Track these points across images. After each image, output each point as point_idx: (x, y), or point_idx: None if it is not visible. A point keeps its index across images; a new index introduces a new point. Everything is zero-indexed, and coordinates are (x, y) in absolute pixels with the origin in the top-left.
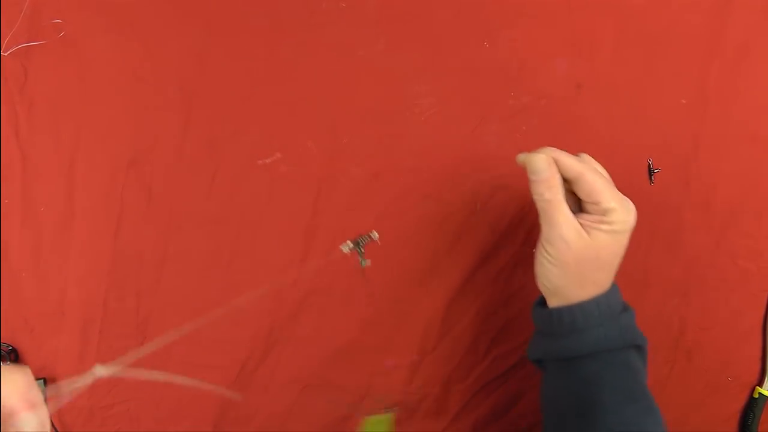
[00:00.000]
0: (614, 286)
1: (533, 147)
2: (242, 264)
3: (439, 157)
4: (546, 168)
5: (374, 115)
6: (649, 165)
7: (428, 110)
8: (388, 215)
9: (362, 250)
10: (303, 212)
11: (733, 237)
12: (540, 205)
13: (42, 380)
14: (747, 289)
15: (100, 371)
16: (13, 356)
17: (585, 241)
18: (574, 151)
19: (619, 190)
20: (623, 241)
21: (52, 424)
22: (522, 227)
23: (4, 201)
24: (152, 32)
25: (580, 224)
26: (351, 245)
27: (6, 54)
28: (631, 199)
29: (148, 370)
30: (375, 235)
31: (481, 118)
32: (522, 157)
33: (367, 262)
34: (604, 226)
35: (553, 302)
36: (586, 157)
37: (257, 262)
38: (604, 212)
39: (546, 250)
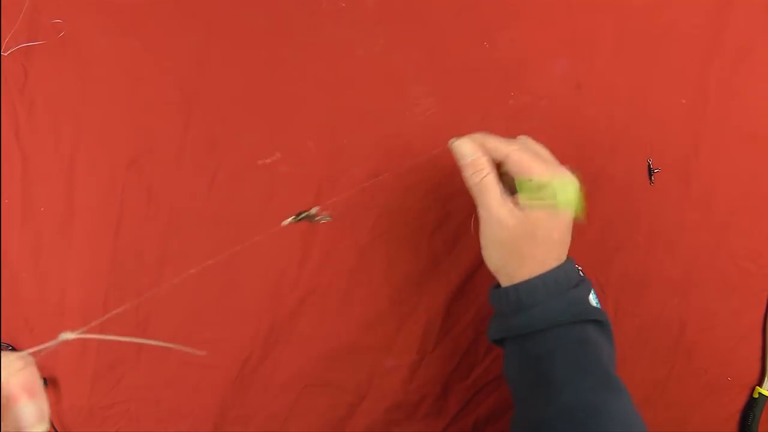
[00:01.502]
0: (568, 261)
1: None
2: (242, 264)
3: (439, 157)
4: (471, 152)
5: (374, 115)
6: (649, 165)
7: (428, 110)
8: (388, 215)
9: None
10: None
11: (733, 237)
12: (471, 188)
13: (42, 380)
14: (747, 289)
15: (67, 336)
16: None
17: (518, 219)
18: (574, 151)
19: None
20: (562, 214)
21: (51, 424)
22: None
23: (4, 201)
24: (152, 32)
25: (515, 203)
26: (293, 219)
27: (6, 54)
28: (630, 199)
29: (116, 335)
30: (313, 210)
31: (481, 118)
32: (450, 142)
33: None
34: (536, 202)
35: (502, 281)
36: (523, 138)
37: (257, 262)
38: (538, 188)
39: (483, 232)
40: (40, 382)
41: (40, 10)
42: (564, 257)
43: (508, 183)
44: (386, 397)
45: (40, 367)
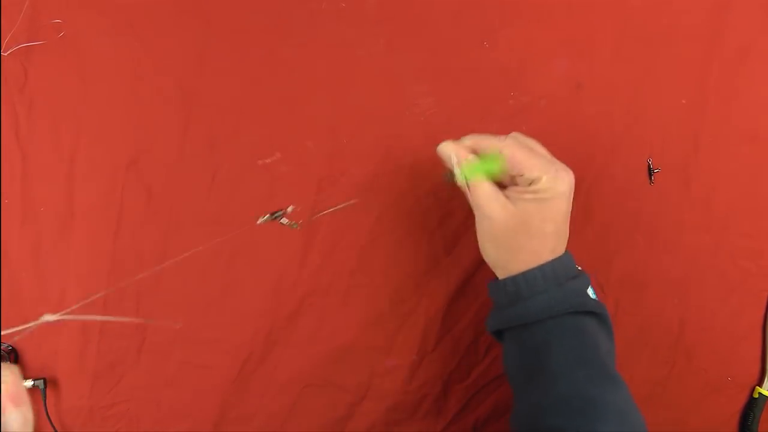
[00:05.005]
0: (566, 254)
1: None
2: (242, 264)
3: (439, 157)
4: (453, 154)
5: (374, 115)
6: (649, 165)
7: (428, 110)
8: (388, 216)
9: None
10: (303, 212)
11: (733, 237)
12: (462, 188)
13: (42, 380)
14: (747, 289)
15: (48, 318)
16: (13, 356)
17: (509, 212)
18: (574, 151)
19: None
20: (555, 206)
21: (51, 424)
22: None
23: (4, 201)
24: (152, 32)
25: (507, 196)
26: (268, 217)
27: (6, 54)
28: (630, 199)
29: (97, 315)
30: (289, 209)
31: (481, 118)
32: (437, 149)
33: (297, 225)
34: (528, 195)
35: (499, 275)
36: (514, 134)
37: (257, 262)
38: (530, 182)
39: (478, 227)
40: (24, 390)
41: (40, 10)
42: (561, 250)
43: (507, 177)
44: (386, 397)
45: (41, 368)
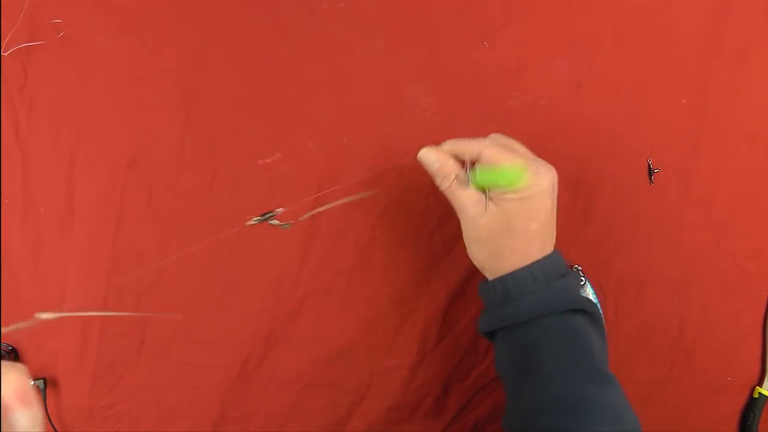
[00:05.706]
0: (555, 253)
1: (533, 147)
2: (242, 264)
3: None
4: (434, 160)
5: (374, 115)
6: (649, 165)
7: (428, 110)
8: (388, 215)
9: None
10: (294, 213)
11: (733, 237)
12: (444, 193)
13: (42, 380)
14: (747, 289)
15: (44, 315)
16: (13, 356)
17: (493, 214)
18: (574, 151)
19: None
20: (538, 204)
21: (51, 424)
22: None
23: (4, 201)
24: (152, 32)
25: (490, 198)
26: (257, 219)
27: (6, 54)
28: (630, 199)
29: (87, 311)
30: (279, 211)
31: (481, 118)
32: (418, 156)
33: (289, 225)
34: (509, 195)
35: (488, 276)
36: (495, 135)
37: (257, 262)
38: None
39: (463, 231)
40: (34, 393)
41: (40, 10)
42: (550, 248)
43: None
44: (386, 397)
45: (41, 368)
